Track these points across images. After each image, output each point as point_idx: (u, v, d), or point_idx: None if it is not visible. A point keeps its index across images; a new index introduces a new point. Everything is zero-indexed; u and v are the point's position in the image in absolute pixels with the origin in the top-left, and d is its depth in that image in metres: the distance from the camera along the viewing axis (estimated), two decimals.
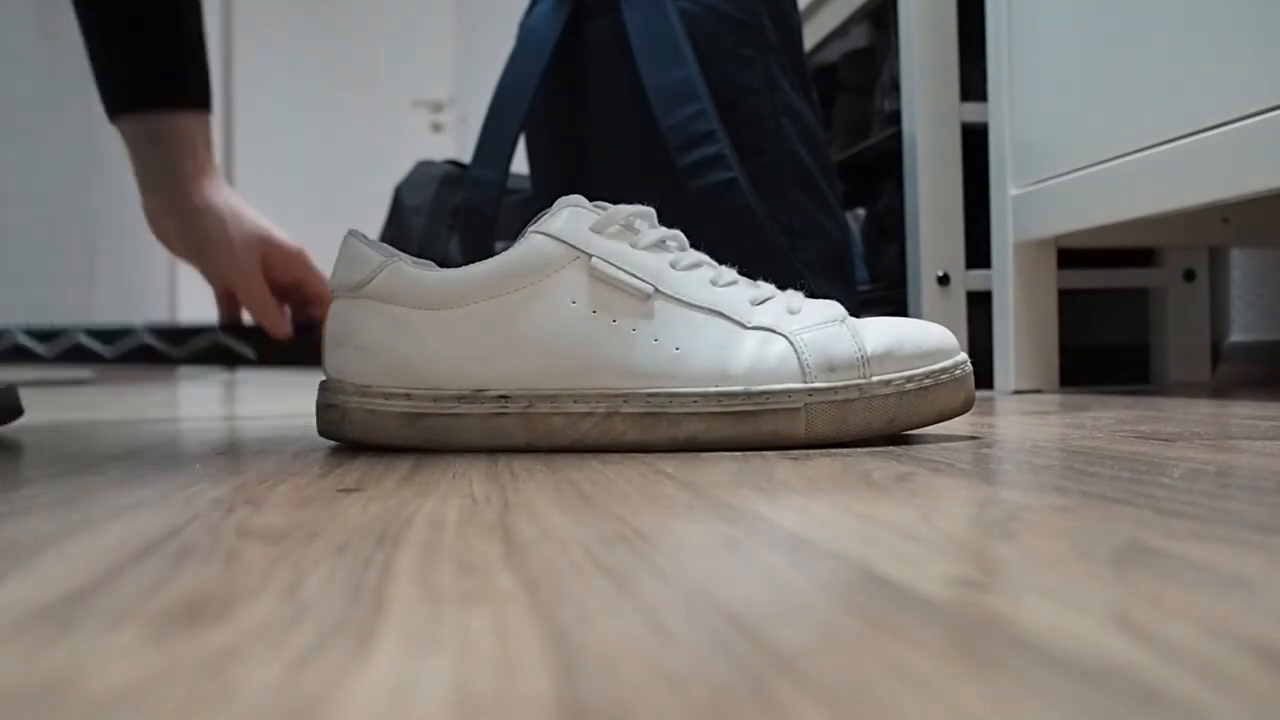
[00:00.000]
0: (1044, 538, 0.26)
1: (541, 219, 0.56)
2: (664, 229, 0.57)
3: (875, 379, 0.54)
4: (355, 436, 0.56)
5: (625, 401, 0.54)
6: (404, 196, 1.90)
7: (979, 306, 1.32)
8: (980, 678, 0.15)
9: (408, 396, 0.55)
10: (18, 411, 0.75)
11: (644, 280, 0.54)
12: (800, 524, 0.30)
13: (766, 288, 0.58)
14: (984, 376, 1.30)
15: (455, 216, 1.64)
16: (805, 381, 0.53)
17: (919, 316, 1.34)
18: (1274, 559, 0.23)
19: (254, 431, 0.78)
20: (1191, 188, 0.91)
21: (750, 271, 1.06)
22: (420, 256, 0.59)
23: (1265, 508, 0.30)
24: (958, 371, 0.56)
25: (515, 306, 0.54)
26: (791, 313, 0.56)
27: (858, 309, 1.27)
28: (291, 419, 0.89)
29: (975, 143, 1.31)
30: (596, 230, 0.55)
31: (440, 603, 0.21)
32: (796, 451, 0.51)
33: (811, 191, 1.18)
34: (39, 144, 2.52)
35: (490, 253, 1.17)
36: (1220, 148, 0.87)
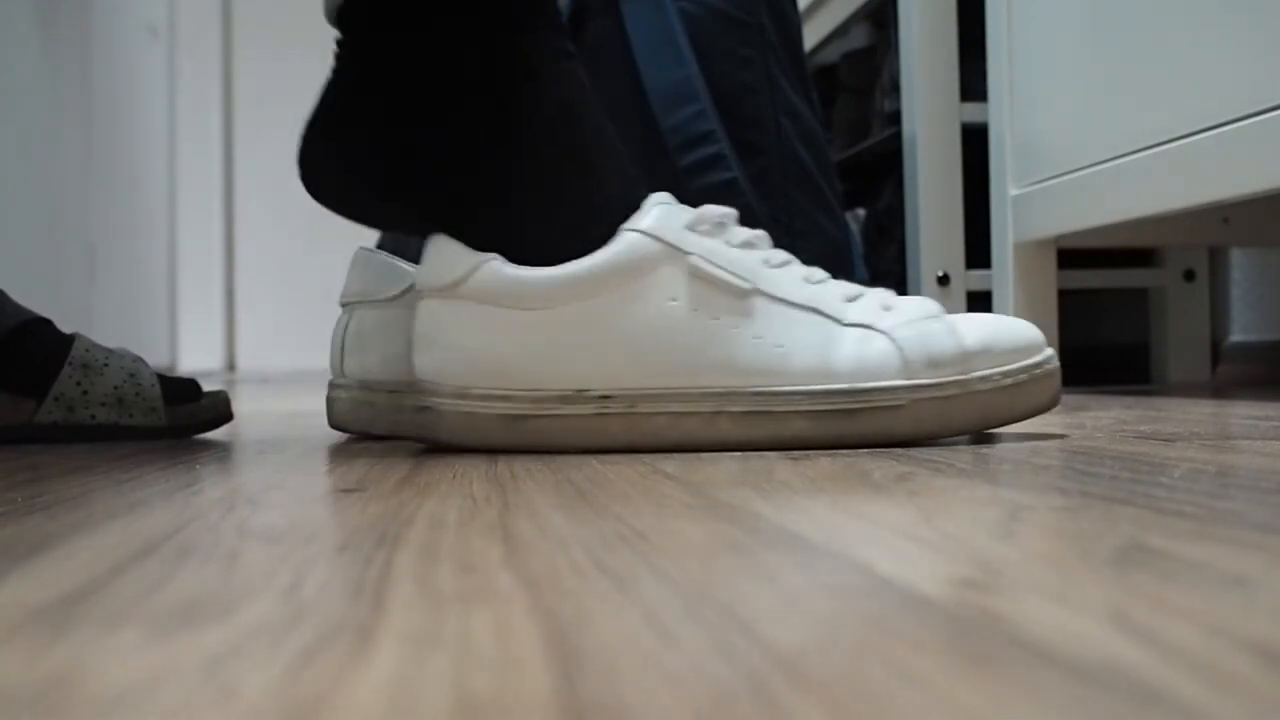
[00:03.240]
0: (1044, 538, 0.26)
1: (639, 219, 0.55)
2: (749, 229, 0.57)
3: (975, 374, 0.53)
4: (450, 439, 0.55)
5: (729, 400, 0.53)
6: None
7: (979, 306, 1.32)
8: (980, 678, 0.15)
9: (507, 398, 0.53)
10: (228, 416, 0.75)
11: (743, 278, 0.54)
12: (800, 524, 0.30)
13: (856, 285, 0.58)
14: None
15: None
16: (908, 378, 0.53)
17: None
18: (1274, 559, 0.23)
19: (254, 432, 0.78)
20: (1191, 188, 0.91)
21: None
22: (421, 257, 0.59)
23: (1265, 508, 0.30)
24: (1048, 366, 0.56)
25: (615, 305, 0.53)
26: (886, 309, 0.55)
27: None
28: (292, 419, 0.89)
29: (975, 143, 1.31)
30: (691, 228, 0.54)
31: (440, 603, 0.21)
32: (796, 451, 0.51)
33: (811, 191, 1.18)
34: (39, 145, 2.53)
35: None
36: (1220, 148, 0.87)
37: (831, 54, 1.75)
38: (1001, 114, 1.22)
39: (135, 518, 0.33)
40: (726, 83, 1.13)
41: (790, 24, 1.20)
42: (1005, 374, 0.54)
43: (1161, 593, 0.20)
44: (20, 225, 2.38)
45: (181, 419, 0.72)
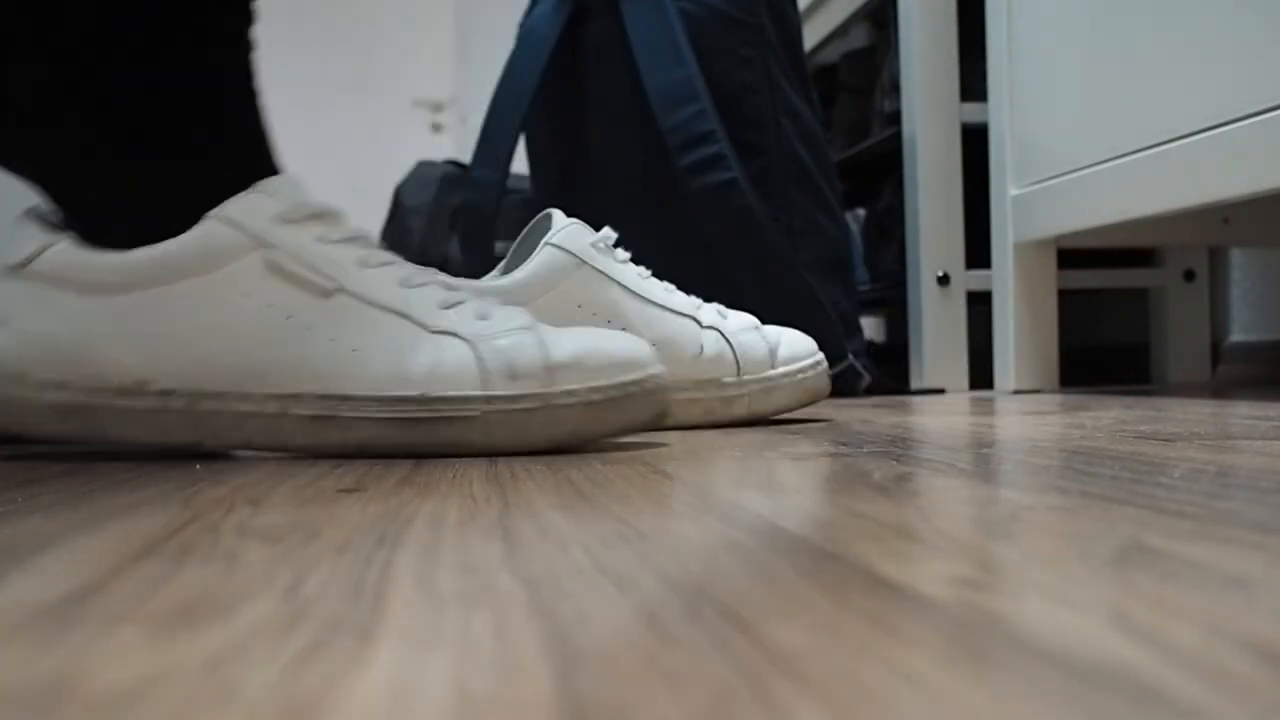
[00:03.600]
0: (1044, 538, 0.26)
1: (227, 204, 0.52)
2: (357, 226, 0.55)
3: (559, 389, 0.52)
4: (9, 428, 0.52)
5: (296, 402, 0.51)
6: (404, 197, 1.90)
7: (979, 306, 1.32)
8: (980, 678, 0.15)
9: (62, 387, 0.51)
10: None
11: (327, 276, 0.52)
12: (800, 524, 0.30)
13: (463, 292, 0.56)
14: (984, 376, 1.30)
15: (456, 217, 1.64)
16: (484, 388, 0.51)
17: (919, 317, 1.35)
18: (1274, 559, 0.23)
19: None
20: (1191, 188, 0.91)
21: (750, 272, 1.06)
22: (421, 257, 0.59)
23: (1265, 508, 0.30)
24: (648, 384, 0.54)
25: (184, 296, 0.51)
26: (480, 318, 0.54)
27: (858, 309, 1.27)
28: None
29: (975, 143, 1.31)
30: (284, 219, 0.52)
31: (440, 603, 0.21)
32: (796, 451, 0.51)
33: (811, 191, 1.18)
34: None
35: (491, 253, 1.17)
36: (1220, 148, 0.87)
37: (831, 54, 1.76)
38: (1001, 114, 1.22)
39: (135, 518, 0.33)
40: (726, 83, 1.13)
41: (790, 24, 1.20)
42: (594, 389, 0.53)
43: (1161, 593, 0.20)
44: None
45: None
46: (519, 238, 0.73)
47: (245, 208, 0.52)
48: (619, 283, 0.69)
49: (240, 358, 0.51)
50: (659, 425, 0.57)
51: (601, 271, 0.69)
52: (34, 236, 0.52)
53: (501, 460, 0.50)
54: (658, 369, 0.55)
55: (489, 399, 0.51)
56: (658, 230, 1.09)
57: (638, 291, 0.70)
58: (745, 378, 0.73)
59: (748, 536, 0.28)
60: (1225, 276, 1.44)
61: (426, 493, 0.38)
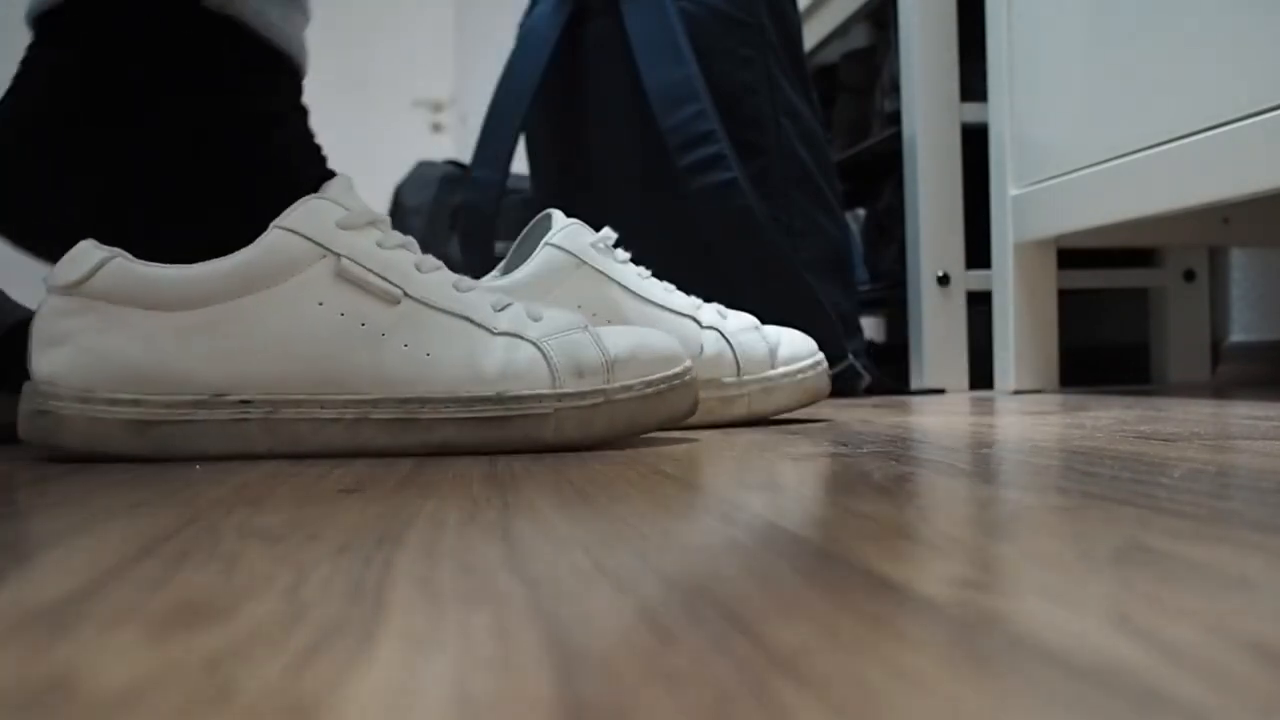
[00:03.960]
0: (1044, 538, 0.26)
1: (290, 213, 0.53)
2: (400, 234, 0.56)
3: (617, 384, 0.55)
4: (74, 446, 0.52)
5: (375, 408, 0.52)
6: (404, 197, 1.90)
7: (979, 306, 1.32)
8: (980, 678, 0.15)
9: (136, 403, 0.51)
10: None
11: (393, 284, 0.53)
12: (800, 524, 0.30)
13: (503, 295, 0.58)
14: (984, 376, 1.30)
15: (456, 217, 1.64)
16: (555, 387, 0.54)
17: (919, 316, 1.35)
18: (1274, 559, 0.23)
19: None
20: (1191, 188, 0.91)
21: (750, 272, 1.06)
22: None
23: (1265, 508, 0.30)
24: (687, 377, 0.58)
25: (258, 308, 0.51)
26: (534, 319, 0.56)
27: (858, 309, 1.27)
28: None
29: (975, 143, 1.31)
30: (344, 226, 0.53)
31: (440, 603, 0.21)
32: (796, 452, 0.51)
33: (811, 191, 1.18)
34: None
35: (490, 253, 1.17)
36: (1220, 148, 0.87)
37: (831, 54, 1.76)
38: (1001, 114, 1.22)
39: (135, 518, 0.33)
40: (726, 83, 1.13)
41: (790, 24, 1.20)
42: (646, 383, 0.56)
43: (1161, 593, 0.20)
44: None
45: None
46: (519, 238, 0.73)
47: (309, 215, 0.53)
48: (619, 283, 0.69)
49: (318, 366, 0.52)
50: (690, 416, 0.59)
51: (601, 271, 0.69)
52: (85, 254, 0.52)
53: (501, 460, 0.50)
54: (690, 363, 0.59)
55: (560, 396, 0.54)
56: (658, 230, 1.09)
57: (638, 291, 0.70)
58: (745, 378, 0.73)
59: (748, 536, 0.28)
60: (1225, 276, 1.44)
61: (427, 493, 0.38)
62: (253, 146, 0.60)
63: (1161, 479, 0.37)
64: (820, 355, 0.78)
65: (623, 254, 0.72)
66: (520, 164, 1.26)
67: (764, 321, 0.79)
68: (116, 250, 0.52)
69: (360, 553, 0.26)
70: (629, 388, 0.55)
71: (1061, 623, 0.18)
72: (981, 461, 0.45)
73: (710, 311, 0.74)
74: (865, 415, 0.81)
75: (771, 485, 0.39)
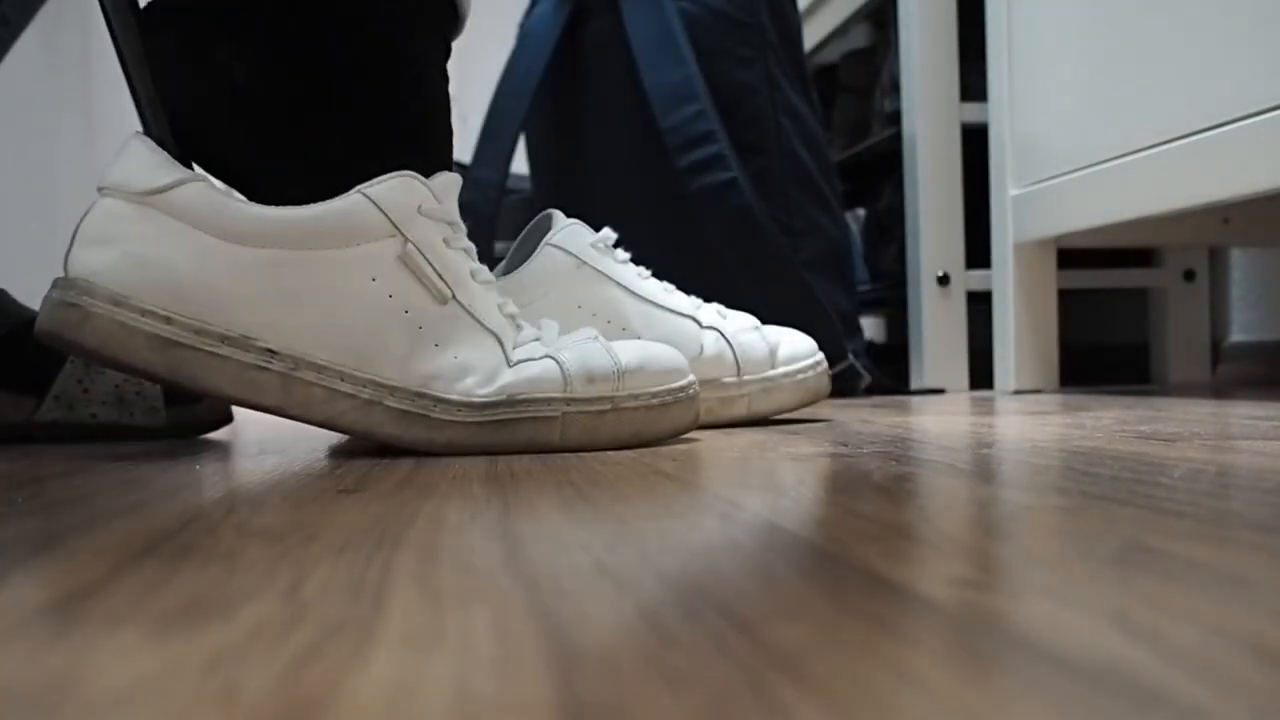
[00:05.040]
0: (1044, 538, 0.26)
1: (377, 184, 0.52)
2: (468, 240, 0.57)
3: (625, 392, 0.56)
4: (91, 345, 0.50)
5: (391, 394, 0.52)
6: None
7: (979, 306, 1.32)
8: (980, 678, 0.15)
9: (168, 320, 0.50)
10: (229, 418, 0.75)
11: (447, 283, 0.53)
12: (801, 524, 0.30)
13: (533, 327, 0.59)
14: (984, 376, 1.30)
15: None
16: (565, 391, 0.54)
17: (919, 316, 1.35)
18: (1274, 559, 0.23)
19: (254, 432, 0.78)
20: (1191, 188, 0.91)
21: (750, 271, 1.06)
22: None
23: (1265, 508, 0.30)
24: (691, 390, 0.59)
25: (316, 265, 0.51)
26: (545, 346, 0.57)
27: (858, 309, 1.27)
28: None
29: (975, 143, 1.31)
30: (425, 215, 0.53)
31: (440, 603, 0.21)
32: (797, 452, 0.51)
33: (811, 191, 1.18)
34: (39, 144, 2.53)
35: (490, 253, 1.17)
36: (1220, 148, 0.87)
37: (831, 54, 1.75)
38: (1001, 114, 1.22)
39: (135, 518, 0.33)
40: (726, 83, 1.13)
41: (790, 24, 1.20)
42: (653, 395, 0.57)
43: (1161, 593, 0.20)
44: (20, 225, 2.38)
45: (182, 419, 0.72)
46: (519, 238, 0.73)
47: (393, 191, 0.52)
48: (619, 283, 0.69)
49: (351, 338, 0.52)
50: (692, 429, 0.60)
51: (601, 271, 0.69)
52: (168, 169, 0.51)
53: (501, 460, 0.50)
54: (693, 377, 0.60)
55: (569, 401, 0.54)
56: (658, 230, 1.09)
57: (637, 291, 0.70)
58: (745, 378, 0.73)
59: (748, 536, 0.28)
60: (1225, 276, 1.44)
61: (426, 493, 0.38)
62: (407, 88, 0.58)
63: (1161, 479, 0.37)
64: (820, 355, 0.78)
65: (623, 254, 0.72)
66: (520, 164, 1.26)
67: (764, 321, 0.79)
68: (200, 173, 0.52)
69: (360, 553, 0.26)
70: (636, 397, 0.56)
71: (1061, 623, 0.18)
72: (981, 461, 0.45)
73: (710, 311, 0.74)
74: (865, 415, 0.81)
75: (771, 485, 0.39)
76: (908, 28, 1.35)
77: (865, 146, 1.51)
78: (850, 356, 1.13)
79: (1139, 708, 0.14)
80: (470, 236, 1.29)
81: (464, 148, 1.67)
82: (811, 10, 1.68)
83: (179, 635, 0.19)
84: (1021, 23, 1.18)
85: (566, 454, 0.53)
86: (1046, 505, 0.32)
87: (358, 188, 0.52)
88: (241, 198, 0.52)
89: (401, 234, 0.52)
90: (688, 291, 0.76)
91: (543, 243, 0.69)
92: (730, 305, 0.90)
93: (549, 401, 0.54)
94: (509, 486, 0.39)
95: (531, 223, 0.72)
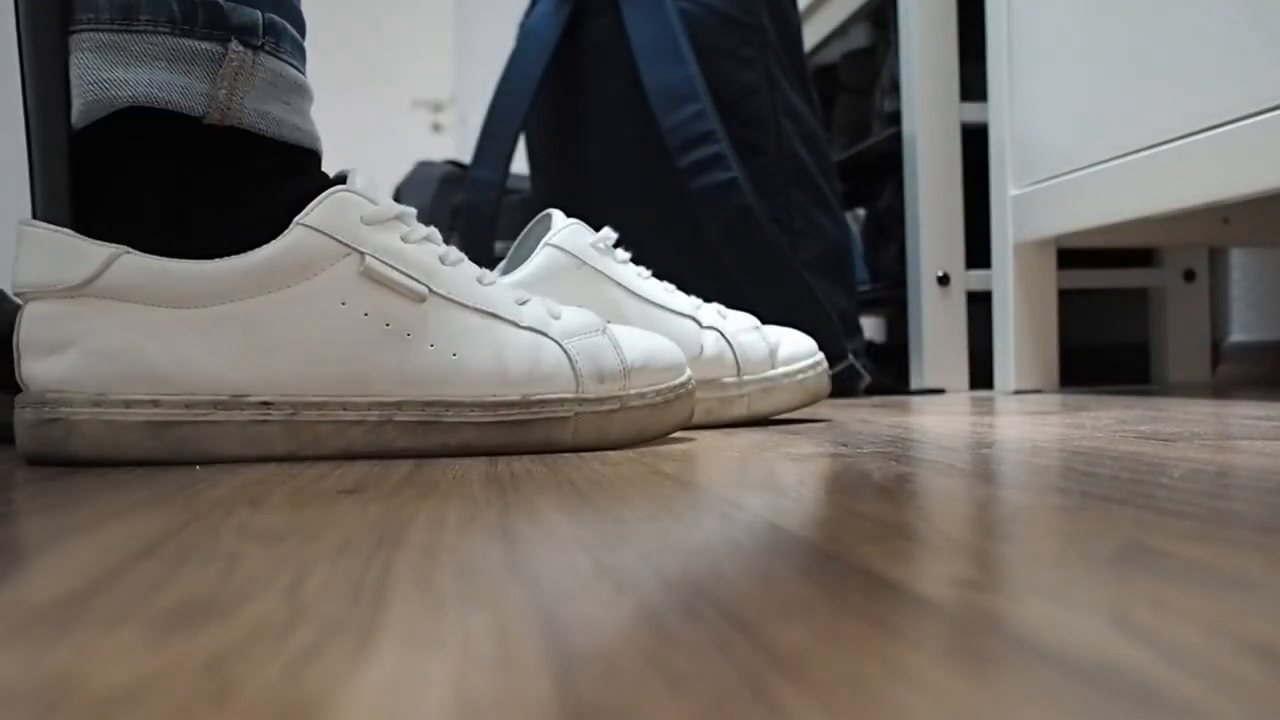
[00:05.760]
0: (1044, 538, 0.26)
1: (313, 210, 0.51)
2: (423, 225, 0.55)
3: (632, 391, 0.56)
4: (86, 453, 0.49)
5: (399, 410, 0.51)
6: (404, 197, 1.90)
7: (979, 306, 1.32)
8: (980, 678, 0.15)
9: (155, 404, 0.49)
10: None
11: (419, 281, 0.52)
12: (801, 524, 0.30)
13: (522, 290, 0.58)
14: (984, 376, 1.30)
15: (455, 217, 1.64)
16: (578, 391, 0.54)
17: (919, 316, 1.35)
18: (1274, 559, 0.23)
19: None
20: (1191, 188, 0.91)
21: (750, 271, 1.06)
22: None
23: (1265, 508, 0.30)
24: (689, 385, 0.59)
25: (280, 306, 0.50)
26: (554, 317, 0.56)
27: (858, 309, 1.27)
28: None
29: (975, 143, 1.31)
30: (369, 222, 0.52)
31: (440, 603, 0.21)
32: (796, 452, 0.51)
33: (811, 191, 1.18)
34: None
35: (490, 253, 1.17)
36: (1220, 148, 0.87)
37: (831, 54, 1.75)
38: (1001, 114, 1.22)
39: (135, 518, 0.33)
40: (726, 83, 1.13)
41: (790, 24, 1.20)
42: (657, 392, 0.57)
43: (1161, 593, 0.20)
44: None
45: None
46: (519, 238, 0.73)
47: (333, 211, 0.51)
48: (619, 283, 0.69)
49: (341, 366, 0.51)
50: (688, 424, 0.60)
51: (601, 271, 0.69)
52: (85, 252, 0.49)
53: (501, 460, 0.50)
54: (690, 372, 0.60)
55: (581, 401, 0.54)
56: (658, 230, 1.09)
57: (638, 291, 0.70)
58: (745, 378, 0.73)
59: (748, 536, 0.28)
60: (1225, 276, 1.44)
61: (426, 493, 0.38)
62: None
63: (1161, 479, 0.37)
64: (820, 355, 0.78)
65: (623, 254, 0.72)
66: (520, 164, 1.26)
67: (764, 321, 0.79)
68: (119, 246, 0.49)
69: (360, 553, 0.26)
70: (643, 395, 0.56)
71: (1061, 623, 0.18)
72: (981, 462, 0.45)
73: (710, 311, 0.74)
74: (865, 415, 0.81)
75: (771, 485, 0.39)
76: (908, 28, 1.35)
77: (865, 146, 1.51)
78: (850, 356, 1.13)
79: (1139, 708, 0.14)
80: (470, 236, 1.29)
81: (464, 148, 1.66)
82: (811, 10, 1.68)
83: (179, 635, 0.19)
84: (1021, 23, 1.18)
85: (566, 454, 0.53)
86: (1046, 505, 0.32)
87: (296, 219, 0.50)
88: (174, 260, 0.50)
89: (356, 250, 0.51)
90: (688, 291, 0.76)
91: (542, 243, 0.69)
92: (730, 305, 0.90)
93: (562, 402, 0.54)
94: (509, 486, 0.39)
95: (531, 223, 0.72)
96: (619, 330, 0.58)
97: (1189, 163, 0.91)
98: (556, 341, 0.54)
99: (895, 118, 1.41)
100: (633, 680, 0.16)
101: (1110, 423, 0.65)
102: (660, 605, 0.20)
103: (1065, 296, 1.26)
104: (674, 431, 0.59)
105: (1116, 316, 1.50)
